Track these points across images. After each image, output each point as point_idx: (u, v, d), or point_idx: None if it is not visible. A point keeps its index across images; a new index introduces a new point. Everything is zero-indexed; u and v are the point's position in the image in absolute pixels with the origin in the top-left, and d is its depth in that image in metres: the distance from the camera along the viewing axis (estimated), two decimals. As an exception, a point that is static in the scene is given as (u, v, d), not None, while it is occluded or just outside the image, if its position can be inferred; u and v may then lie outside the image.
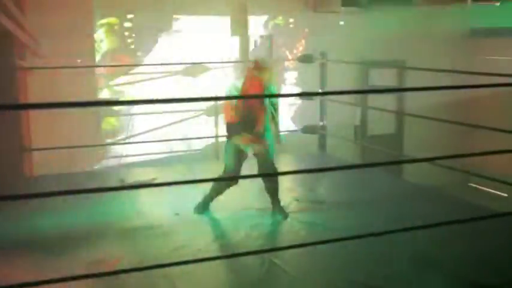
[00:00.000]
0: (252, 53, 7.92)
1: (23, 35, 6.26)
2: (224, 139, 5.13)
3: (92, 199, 4.92)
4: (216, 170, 5.14)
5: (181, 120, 7.98)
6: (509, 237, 4.49)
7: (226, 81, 7.40)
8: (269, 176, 4.92)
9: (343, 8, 8.06)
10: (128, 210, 5.13)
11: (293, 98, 8.46)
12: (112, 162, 7.44)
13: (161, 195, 5.43)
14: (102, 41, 7.36)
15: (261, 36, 8.11)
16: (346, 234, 3.65)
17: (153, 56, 7.70)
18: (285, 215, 4.95)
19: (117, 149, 7.55)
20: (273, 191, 4.98)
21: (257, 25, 8.10)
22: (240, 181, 4.80)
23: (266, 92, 4.79)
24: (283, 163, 6.95)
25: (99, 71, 7.30)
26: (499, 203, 6.25)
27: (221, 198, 5.14)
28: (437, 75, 5.52)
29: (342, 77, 7.77)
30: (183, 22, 7.83)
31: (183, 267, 3.54)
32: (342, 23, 8.36)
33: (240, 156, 4.98)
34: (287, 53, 8.10)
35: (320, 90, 7.22)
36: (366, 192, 5.76)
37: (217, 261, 3.91)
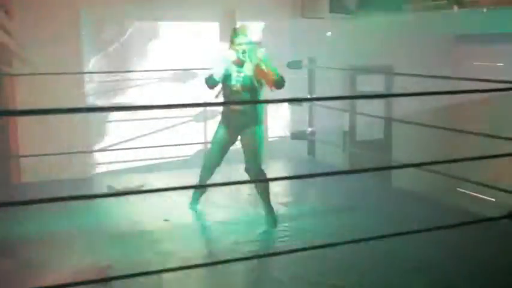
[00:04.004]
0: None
1: (10, 41, 6.22)
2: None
3: (81, 206, 4.89)
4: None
5: (169, 127, 7.95)
6: (496, 242, 4.51)
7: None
8: (259, 181, 4.93)
9: (331, 14, 8.08)
10: (117, 216, 5.11)
11: (282, 103, 8.45)
12: (101, 169, 7.39)
13: (150, 201, 5.42)
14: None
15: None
16: (335, 240, 3.65)
17: (142, 63, 7.67)
18: (275, 221, 4.94)
19: (106, 156, 7.50)
20: (264, 194, 4.98)
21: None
22: (231, 187, 4.79)
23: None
24: (273, 169, 6.96)
25: (87, 77, 7.25)
26: (487, 208, 6.27)
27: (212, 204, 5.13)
28: (425, 80, 5.55)
29: (330, 83, 7.78)
30: (172, 28, 7.81)
31: (172, 273, 3.53)
32: (329, 29, 8.38)
33: (226, 142, 5.11)
34: (275, 59, 8.10)
35: (308, 96, 7.24)
36: (355, 198, 5.78)
37: (207, 268, 3.90)
